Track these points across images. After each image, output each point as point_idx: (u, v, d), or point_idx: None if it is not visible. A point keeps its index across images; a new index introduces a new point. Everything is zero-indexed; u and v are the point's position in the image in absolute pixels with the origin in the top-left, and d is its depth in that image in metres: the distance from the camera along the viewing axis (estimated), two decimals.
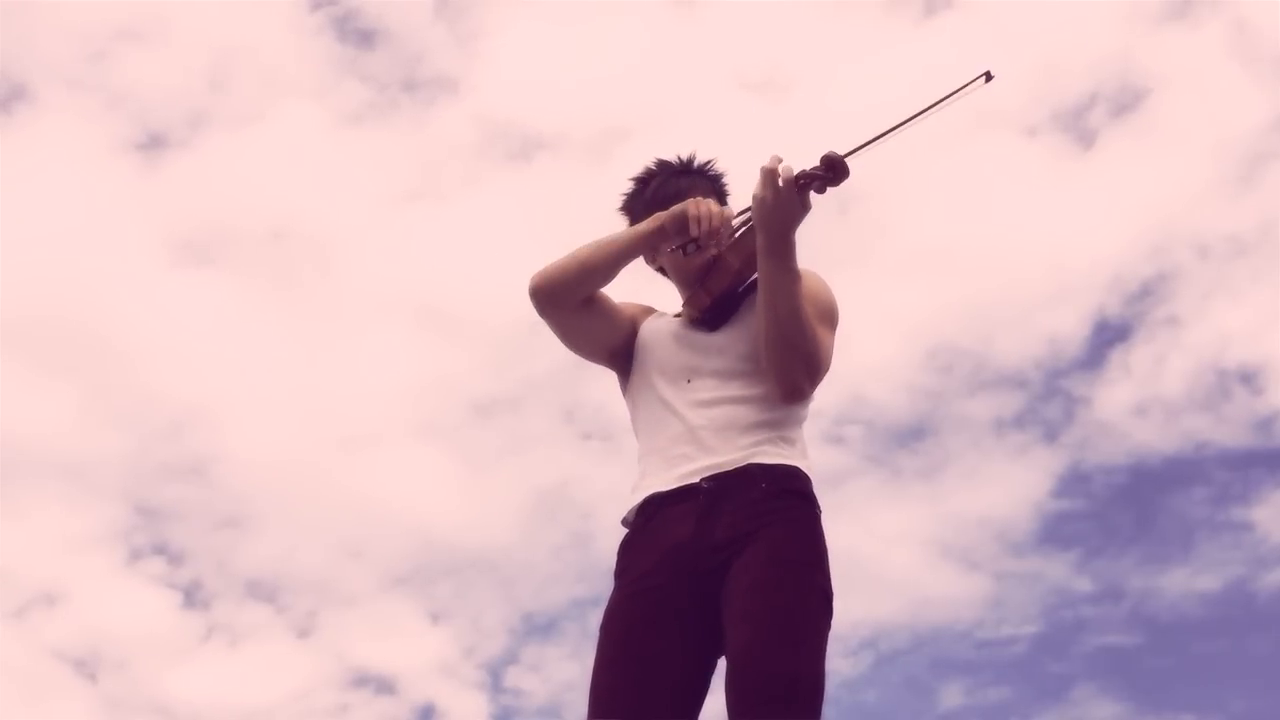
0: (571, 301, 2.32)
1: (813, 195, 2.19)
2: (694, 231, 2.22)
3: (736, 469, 2.18)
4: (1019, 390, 9.61)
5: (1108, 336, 9.39)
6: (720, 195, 2.43)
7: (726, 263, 2.31)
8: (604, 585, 2.26)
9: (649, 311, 2.47)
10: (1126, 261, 9.35)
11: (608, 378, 2.49)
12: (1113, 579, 9.31)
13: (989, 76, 2.19)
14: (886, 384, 9.92)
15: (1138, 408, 9.26)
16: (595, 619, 2.23)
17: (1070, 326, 9.48)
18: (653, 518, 2.21)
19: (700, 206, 2.22)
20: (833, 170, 2.16)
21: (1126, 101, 9.52)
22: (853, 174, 2.16)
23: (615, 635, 2.16)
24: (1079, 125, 9.61)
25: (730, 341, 2.30)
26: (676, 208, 2.25)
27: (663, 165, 2.47)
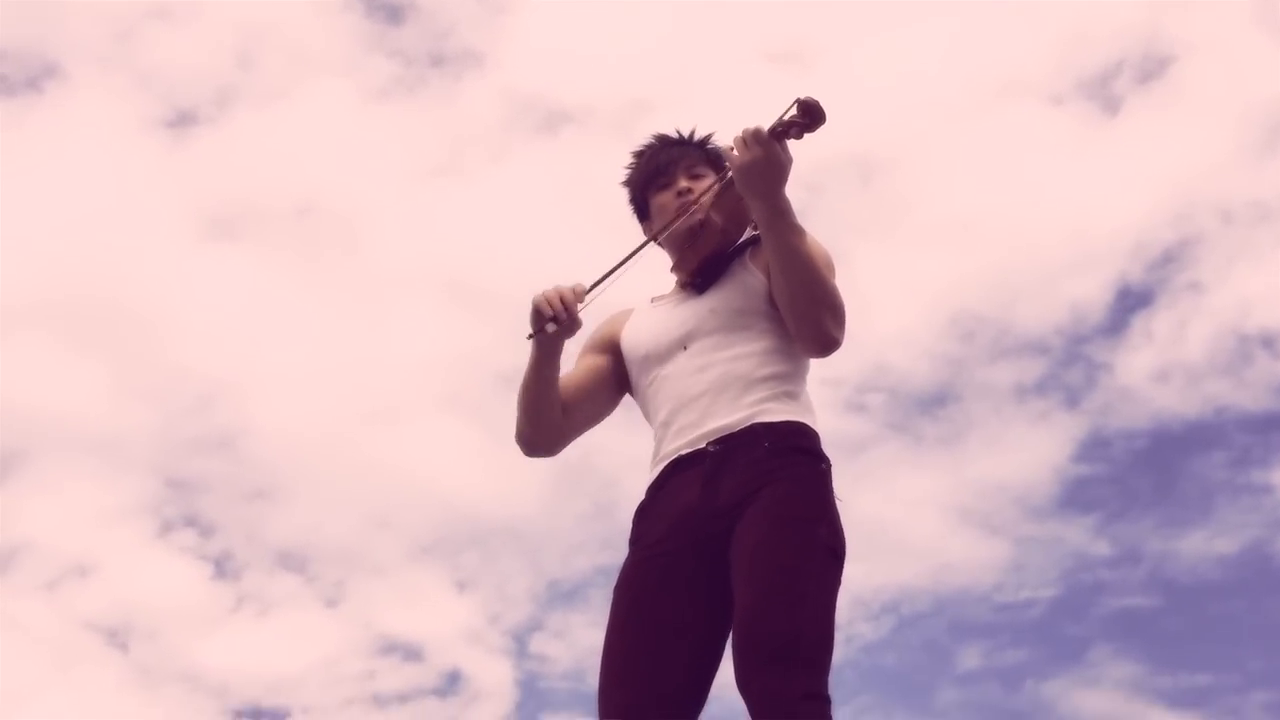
0: (553, 436, 2.39)
1: (792, 144, 2.16)
2: (546, 314, 2.23)
3: (741, 430, 2.17)
4: (1041, 357, 9.61)
5: (1130, 303, 9.38)
6: (714, 164, 2.43)
7: (712, 223, 2.31)
8: (626, 552, 2.29)
9: (627, 314, 2.49)
10: (1149, 228, 9.34)
11: None
12: (1131, 542, 9.34)
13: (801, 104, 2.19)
14: (908, 351, 9.93)
15: (1159, 373, 9.26)
16: None
17: (1092, 293, 9.48)
18: (663, 485, 2.23)
19: (543, 293, 2.24)
20: (810, 115, 2.12)
21: (1151, 69, 9.48)
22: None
23: (627, 601, 2.17)
24: (1104, 93, 9.58)
25: (723, 300, 2.30)
26: (532, 305, 2.26)
27: (659, 138, 2.49)
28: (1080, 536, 9.49)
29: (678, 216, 2.36)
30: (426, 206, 10.53)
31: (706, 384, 2.23)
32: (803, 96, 2.12)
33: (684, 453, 2.22)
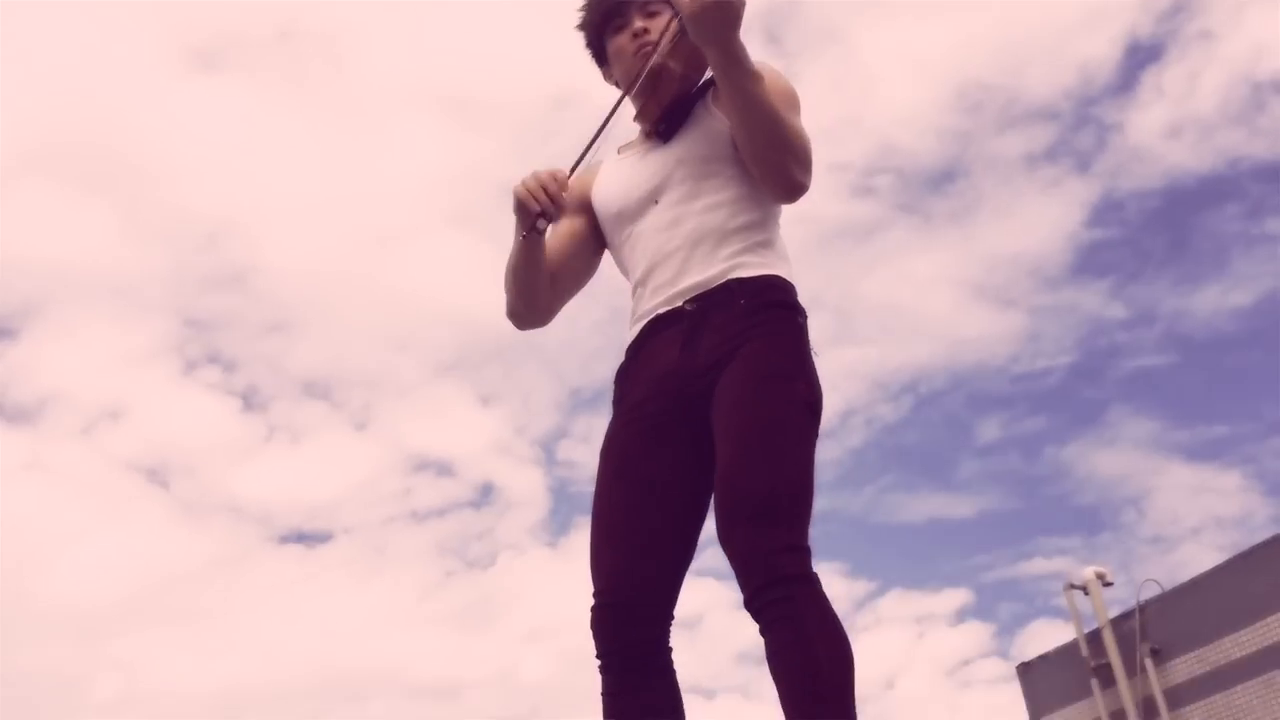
0: (545, 310, 2.39)
1: None
2: (534, 209, 2.20)
3: (717, 286, 2.18)
4: (1050, 123, 9.51)
5: (1140, 58, 9.24)
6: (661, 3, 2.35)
7: (670, 71, 2.28)
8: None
9: (595, 168, 2.44)
10: None
11: None
12: (1146, 303, 9.42)
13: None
14: (915, 129, 9.83)
15: (1170, 129, 9.15)
16: None
17: (1101, 52, 9.29)
18: (643, 345, 2.25)
19: (525, 183, 2.20)
20: None
21: None
22: None
23: (614, 462, 2.21)
24: None
25: (689, 148, 2.29)
26: (514, 198, 2.23)
27: None
28: (1095, 301, 9.57)
29: (637, 60, 2.31)
30: (410, 18, 10.30)
31: (681, 239, 2.23)
32: None
33: (661, 311, 2.23)
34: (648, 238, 2.28)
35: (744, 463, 2.02)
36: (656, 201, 2.29)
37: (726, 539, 2.00)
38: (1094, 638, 12.62)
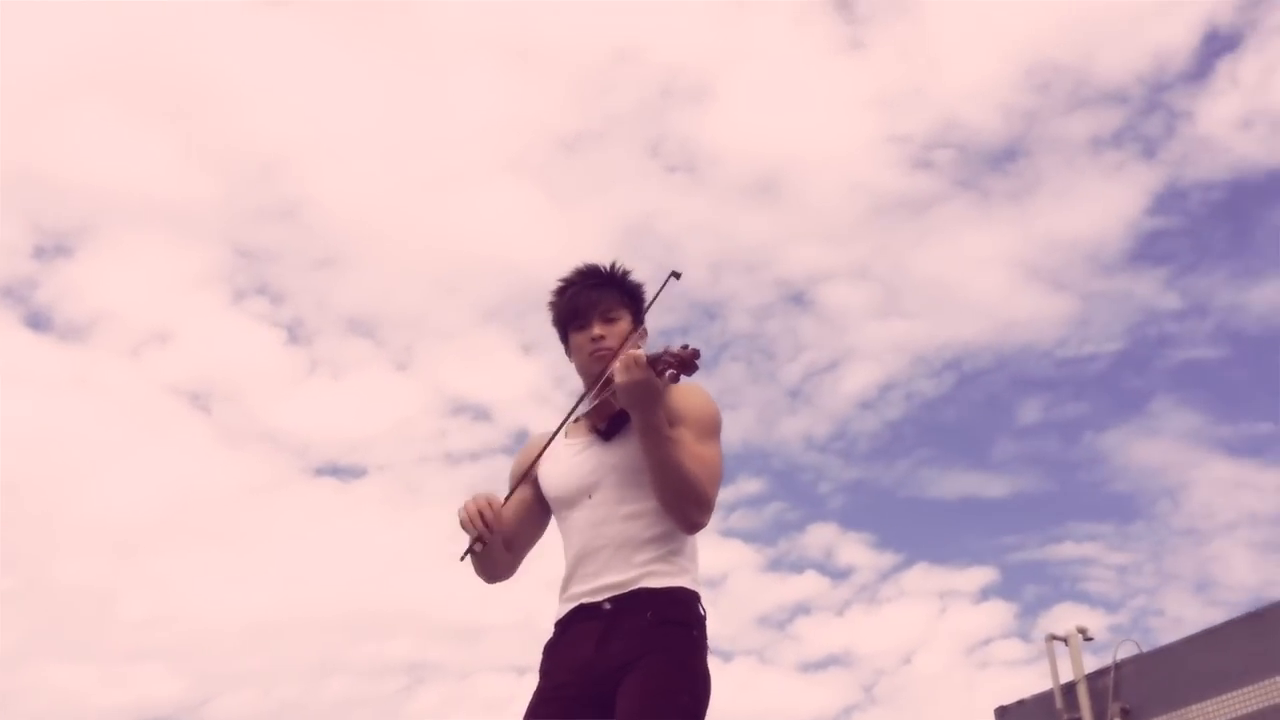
0: (508, 572, 2.78)
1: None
2: (472, 535, 2.59)
3: (629, 592, 2.57)
4: (1119, 106, 9.32)
5: (1216, 47, 9.00)
6: (633, 303, 2.74)
7: (609, 405, 2.62)
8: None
9: (540, 443, 2.77)
10: None
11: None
12: (1201, 295, 9.23)
13: (677, 275, 2.58)
14: (980, 105, 9.69)
15: (1243, 120, 8.94)
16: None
17: (1178, 38, 9.05)
18: (568, 629, 2.64)
19: (466, 508, 2.60)
20: (683, 365, 2.46)
21: None
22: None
23: None
24: None
25: (622, 456, 2.64)
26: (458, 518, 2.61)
27: (582, 275, 2.78)
28: (1149, 290, 9.40)
29: (591, 362, 2.68)
30: None
31: (605, 539, 2.62)
32: (686, 348, 2.45)
33: (585, 601, 2.62)
34: (580, 529, 2.66)
35: None
36: (590, 496, 2.67)
37: None
38: (1069, 690, 12.66)
